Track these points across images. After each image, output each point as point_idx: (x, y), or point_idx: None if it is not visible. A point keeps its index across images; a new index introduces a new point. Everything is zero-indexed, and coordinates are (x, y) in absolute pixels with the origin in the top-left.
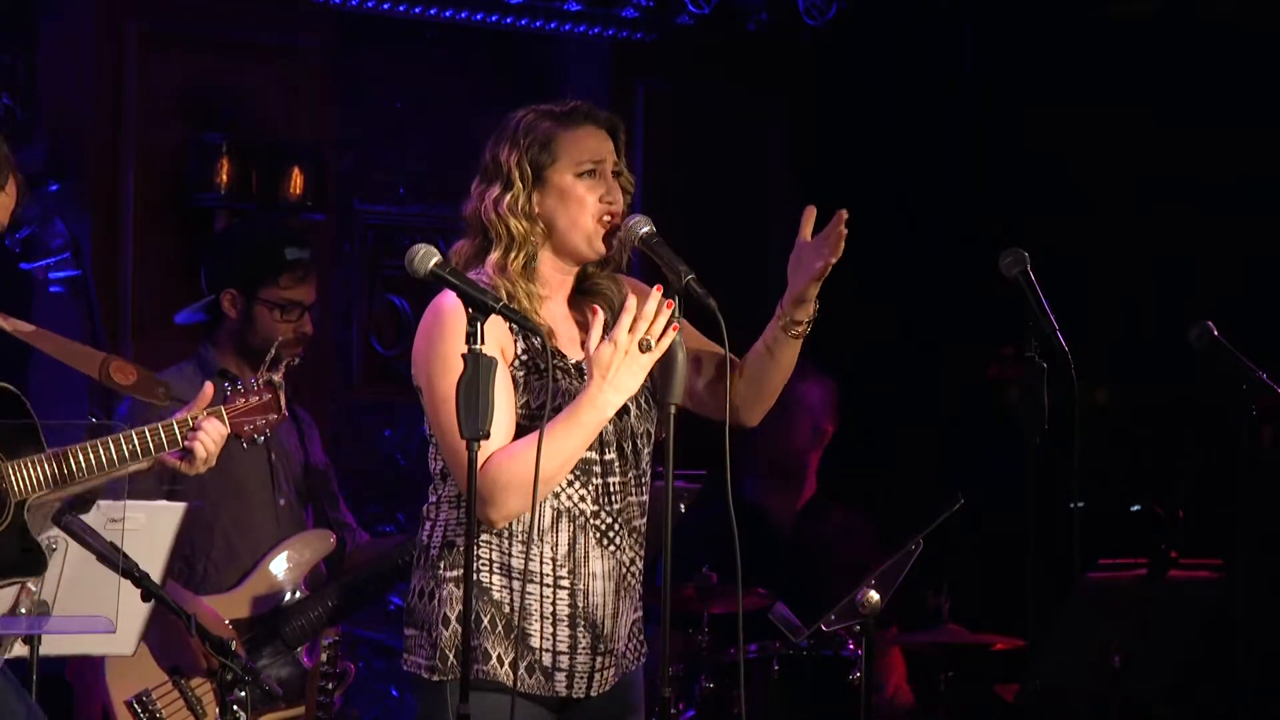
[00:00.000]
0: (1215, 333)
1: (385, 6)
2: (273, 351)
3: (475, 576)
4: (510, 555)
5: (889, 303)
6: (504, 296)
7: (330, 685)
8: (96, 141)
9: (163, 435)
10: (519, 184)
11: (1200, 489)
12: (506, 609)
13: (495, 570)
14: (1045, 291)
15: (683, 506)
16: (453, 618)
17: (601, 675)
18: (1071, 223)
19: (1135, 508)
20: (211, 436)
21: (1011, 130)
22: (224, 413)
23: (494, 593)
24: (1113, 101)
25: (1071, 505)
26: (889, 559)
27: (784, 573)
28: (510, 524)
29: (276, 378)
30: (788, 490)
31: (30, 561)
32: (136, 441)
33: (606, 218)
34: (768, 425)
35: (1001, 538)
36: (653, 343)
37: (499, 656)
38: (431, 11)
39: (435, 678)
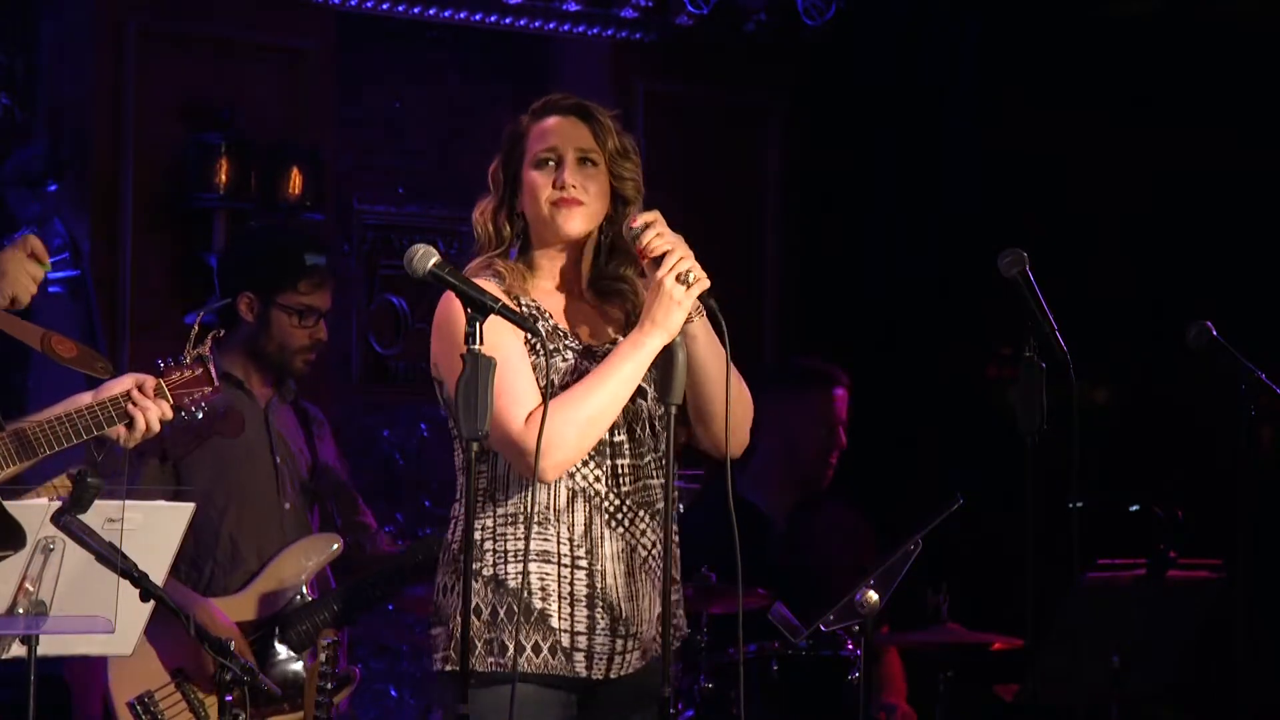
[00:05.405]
0: (1214, 333)
1: (385, 6)
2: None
3: (492, 571)
4: (528, 539)
5: (889, 303)
6: (510, 296)
7: (329, 685)
8: (96, 141)
9: (111, 411)
10: (494, 189)
11: (1200, 489)
12: (525, 594)
13: (510, 559)
14: (1044, 291)
15: (681, 507)
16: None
17: (623, 658)
18: (1071, 223)
19: (1134, 508)
20: (150, 407)
21: (1011, 130)
22: (164, 386)
23: (509, 581)
24: (1113, 102)
25: (1071, 505)
26: (887, 559)
27: (778, 569)
28: (524, 508)
29: (204, 352)
30: (787, 488)
31: (7, 535)
32: (89, 417)
33: (558, 201)
34: (784, 436)
35: (1001, 538)
36: (690, 277)
37: (517, 645)
38: (431, 11)
39: (448, 667)
